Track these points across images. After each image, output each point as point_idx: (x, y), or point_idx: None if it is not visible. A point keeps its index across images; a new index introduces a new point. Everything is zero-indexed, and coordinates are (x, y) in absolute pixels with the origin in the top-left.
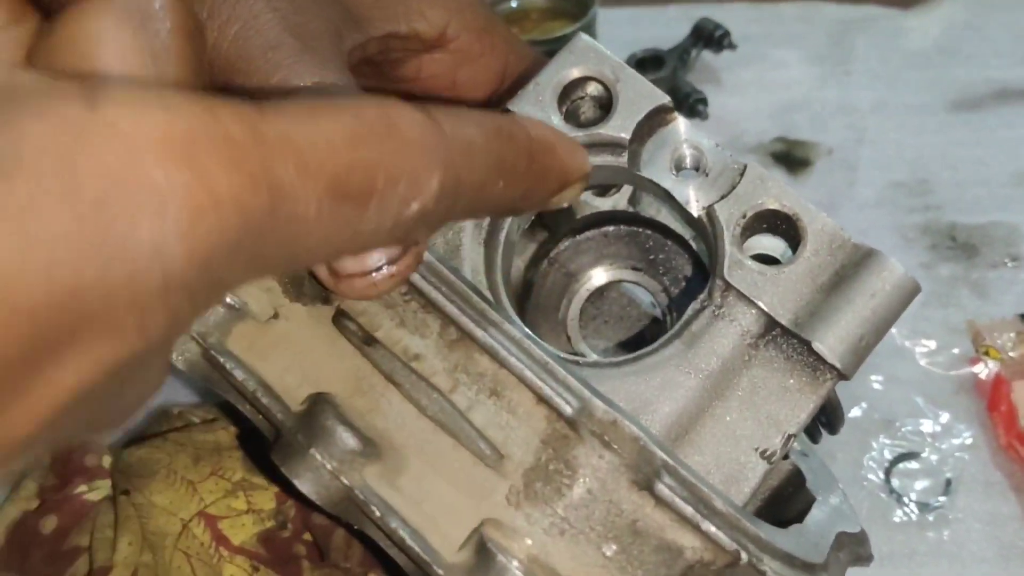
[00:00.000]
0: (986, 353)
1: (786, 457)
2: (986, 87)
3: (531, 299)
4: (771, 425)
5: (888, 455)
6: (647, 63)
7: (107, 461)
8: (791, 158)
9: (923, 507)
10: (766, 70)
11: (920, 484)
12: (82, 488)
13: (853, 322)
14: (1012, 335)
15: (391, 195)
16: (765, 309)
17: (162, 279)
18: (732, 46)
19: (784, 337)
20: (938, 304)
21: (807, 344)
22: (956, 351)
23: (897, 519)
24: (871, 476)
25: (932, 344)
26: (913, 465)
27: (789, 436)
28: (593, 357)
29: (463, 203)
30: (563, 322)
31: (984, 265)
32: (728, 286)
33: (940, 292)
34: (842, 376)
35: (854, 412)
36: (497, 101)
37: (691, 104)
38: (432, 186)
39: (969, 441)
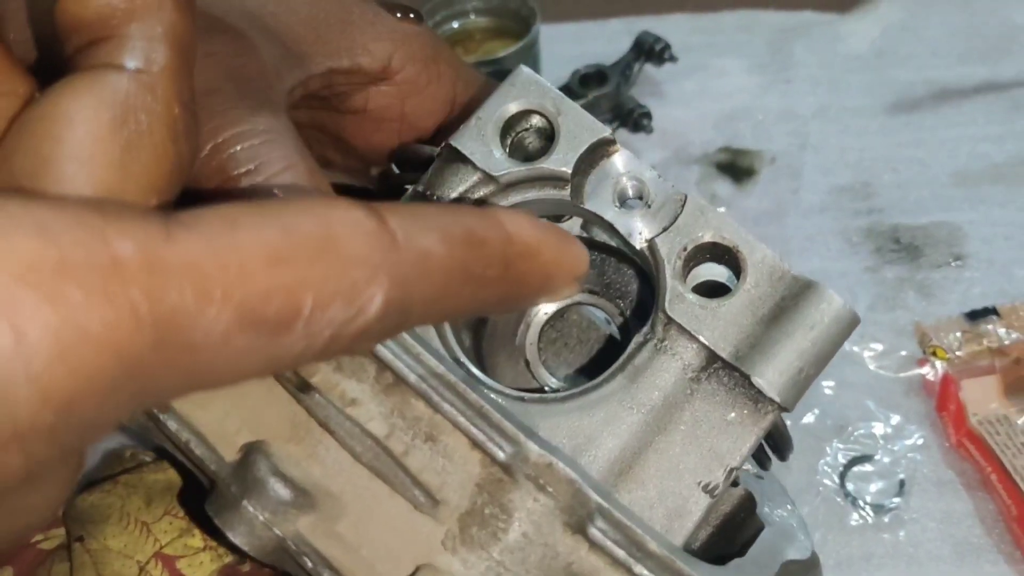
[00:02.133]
0: (933, 354)
1: (735, 484)
2: (925, 88)
3: (487, 328)
4: (713, 459)
5: (842, 459)
6: (590, 79)
7: (61, 509)
8: (736, 167)
9: (878, 509)
10: (708, 80)
11: (874, 486)
12: (38, 538)
13: (792, 355)
14: (958, 334)
15: (320, 319)
16: (706, 343)
17: (10, 425)
18: (673, 59)
19: (725, 370)
20: (885, 307)
21: (748, 377)
22: (904, 353)
23: (853, 522)
24: (826, 481)
25: (880, 347)
26: (867, 468)
27: (731, 470)
28: (552, 383)
29: (417, 316)
30: (521, 348)
31: (928, 266)
32: (670, 320)
33: (886, 295)
34: (783, 408)
35: (807, 419)
36: (447, 128)
37: (635, 119)
38: (374, 306)
39: (920, 442)
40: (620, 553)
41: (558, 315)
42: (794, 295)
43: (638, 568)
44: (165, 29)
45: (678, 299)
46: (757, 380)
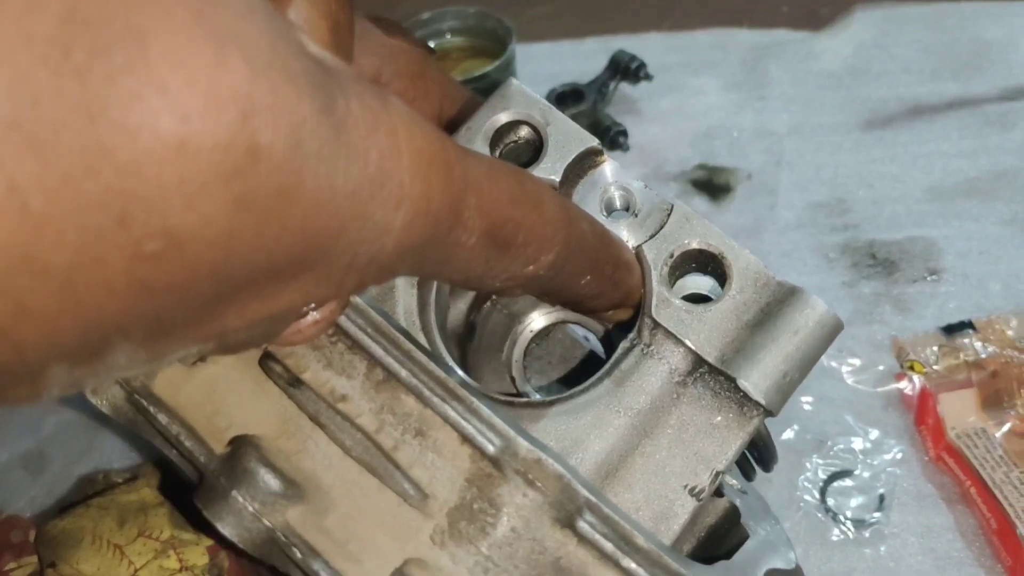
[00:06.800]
0: (911, 368)
1: (721, 495)
2: (897, 104)
3: (474, 341)
4: (700, 462)
5: (822, 474)
6: (567, 97)
7: (33, 535)
8: (713, 185)
9: (859, 524)
10: (684, 98)
11: (855, 501)
12: (11, 566)
13: (777, 359)
14: (935, 348)
15: (521, 253)
16: (692, 347)
17: (373, 256)
18: (648, 77)
19: (711, 374)
20: (862, 322)
21: (733, 381)
22: (881, 367)
23: (834, 537)
24: (807, 497)
25: (858, 362)
26: (847, 483)
27: (717, 473)
28: (537, 398)
29: (557, 283)
30: (507, 363)
31: (904, 280)
32: (656, 324)
33: (863, 310)
34: (768, 412)
35: (787, 434)
36: None
37: (612, 136)
38: (549, 258)
39: (899, 456)
40: (608, 547)
41: (543, 333)
42: (778, 300)
43: (626, 562)
44: None
45: (664, 304)
46: (743, 383)
